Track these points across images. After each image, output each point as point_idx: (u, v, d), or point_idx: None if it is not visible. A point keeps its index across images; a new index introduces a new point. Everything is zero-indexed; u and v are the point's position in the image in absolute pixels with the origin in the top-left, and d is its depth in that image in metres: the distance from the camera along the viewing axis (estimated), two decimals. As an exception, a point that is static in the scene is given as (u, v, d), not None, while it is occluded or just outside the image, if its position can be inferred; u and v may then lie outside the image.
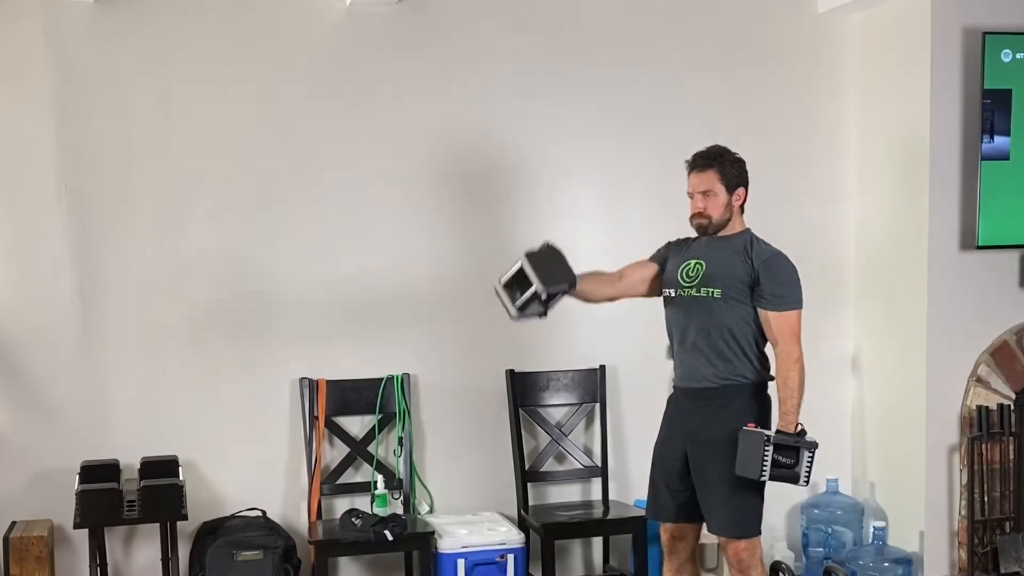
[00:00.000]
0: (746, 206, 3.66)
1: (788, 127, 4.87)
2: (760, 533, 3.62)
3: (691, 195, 3.64)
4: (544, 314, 3.64)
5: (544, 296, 3.53)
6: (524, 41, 4.61)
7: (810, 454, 3.49)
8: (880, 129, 4.78)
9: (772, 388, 3.62)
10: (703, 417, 3.58)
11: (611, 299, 3.84)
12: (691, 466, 3.61)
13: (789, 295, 3.53)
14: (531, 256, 3.57)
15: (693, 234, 3.72)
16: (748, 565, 3.59)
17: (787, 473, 3.47)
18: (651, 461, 3.77)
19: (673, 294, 3.67)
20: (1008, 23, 4.45)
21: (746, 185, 3.63)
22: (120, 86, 4.25)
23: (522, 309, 3.58)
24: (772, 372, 3.60)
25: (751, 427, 3.48)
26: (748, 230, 3.65)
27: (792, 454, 3.46)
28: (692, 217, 3.64)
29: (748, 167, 3.66)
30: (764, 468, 3.42)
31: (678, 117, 4.71)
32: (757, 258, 3.54)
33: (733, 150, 3.64)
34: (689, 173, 3.65)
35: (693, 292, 3.59)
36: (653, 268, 3.78)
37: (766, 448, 3.41)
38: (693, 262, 3.64)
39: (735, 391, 3.56)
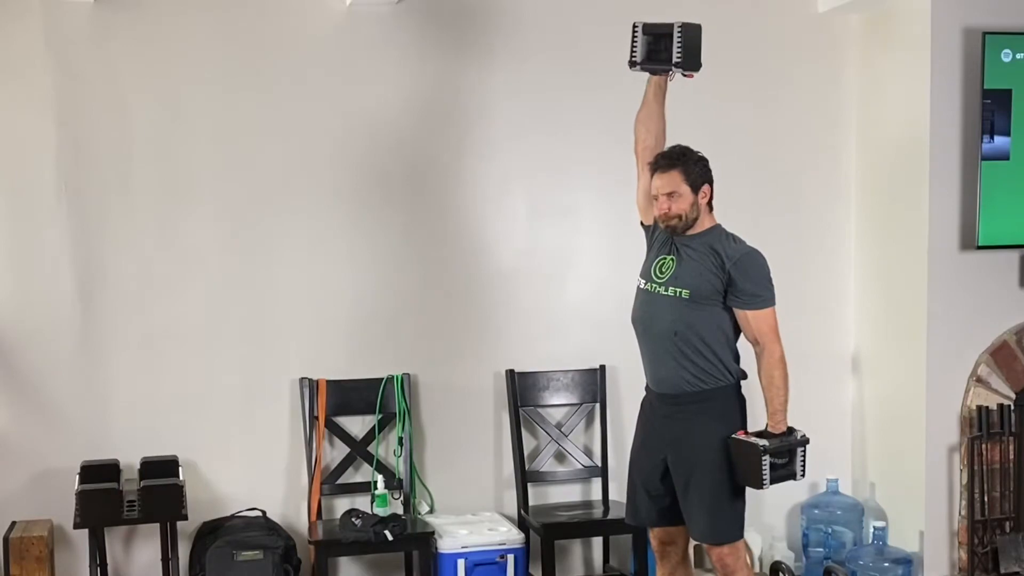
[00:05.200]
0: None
1: (788, 127, 4.87)
2: (742, 537, 3.61)
3: (656, 197, 3.61)
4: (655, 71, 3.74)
5: (673, 68, 3.70)
6: (523, 41, 4.61)
7: (803, 450, 3.52)
8: (880, 129, 4.78)
9: (746, 386, 3.61)
10: (681, 423, 3.56)
11: (659, 130, 3.81)
12: (672, 472, 3.59)
13: (765, 293, 3.52)
14: (685, 28, 3.67)
15: None
16: (732, 570, 3.58)
17: (784, 473, 3.49)
18: (628, 465, 3.76)
19: (643, 285, 3.65)
20: (1008, 23, 4.45)
21: (711, 182, 3.60)
22: (120, 86, 4.25)
23: (645, 62, 3.72)
24: (744, 370, 3.60)
25: (741, 435, 3.48)
26: (717, 226, 3.61)
27: (785, 453, 3.48)
28: (660, 220, 3.61)
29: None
30: (764, 477, 3.43)
31: (677, 117, 4.68)
32: (728, 259, 3.50)
33: (695, 149, 3.62)
34: (652, 175, 3.62)
35: (661, 290, 3.57)
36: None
37: (763, 459, 3.41)
38: (668, 258, 3.61)
39: (711, 395, 3.54)
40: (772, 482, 3.45)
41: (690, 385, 3.54)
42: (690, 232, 3.60)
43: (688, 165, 3.57)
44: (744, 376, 3.61)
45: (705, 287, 3.51)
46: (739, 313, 3.52)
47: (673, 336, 3.53)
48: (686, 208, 3.56)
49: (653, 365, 3.63)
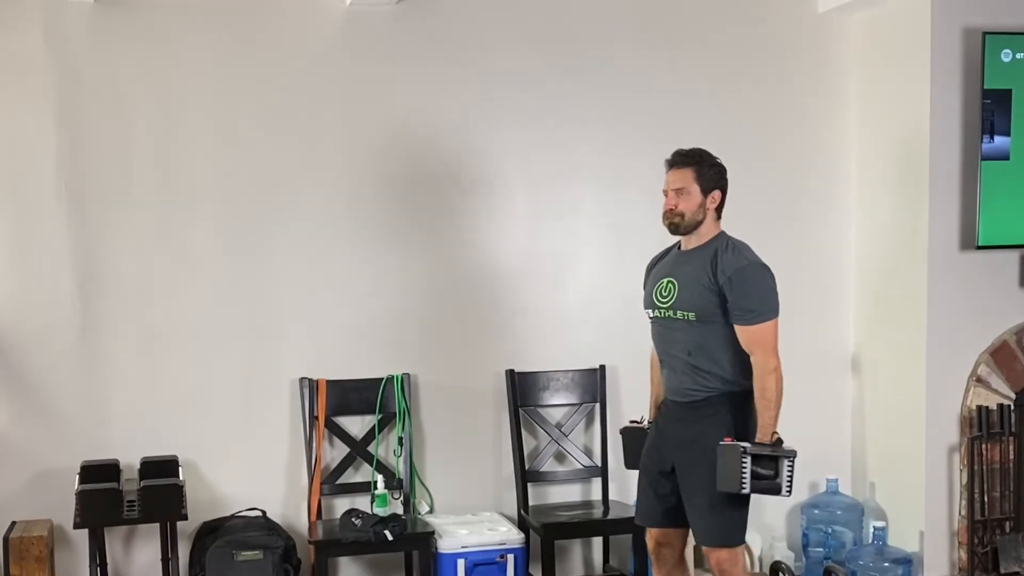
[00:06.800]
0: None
1: (788, 127, 4.87)
2: (743, 543, 3.61)
3: (666, 193, 3.63)
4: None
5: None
6: (524, 41, 4.60)
7: (790, 463, 3.43)
8: (880, 129, 4.78)
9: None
10: (690, 426, 3.58)
11: None
12: (677, 473, 3.61)
13: (759, 308, 3.49)
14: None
15: (671, 240, 3.72)
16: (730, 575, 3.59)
17: (768, 484, 3.43)
18: (639, 466, 3.78)
19: (652, 314, 3.69)
20: (1008, 23, 4.45)
21: (723, 190, 3.61)
22: (120, 86, 4.25)
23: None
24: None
25: (728, 441, 3.46)
26: (720, 235, 3.61)
27: (771, 465, 3.42)
28: (664, 215, 3.62)
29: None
30: (744, 481, 3.39)
31: (678, 117, 4.70)
32: (722, 274, 3.49)
33: (715, 155, 3.63)
34: (667, 170, 3.64)
35: (670, 314, 3.60)
36: None
37: (743, 460, 3.37)
38: (665, 281, 3.63)
39: (721, 400, 3.55)
40: (753, 491, 3.41)
41: (702, 394, 3.56)
42: (692, 245, 3.62)
43: (703, 167, 3.59)
44: None
45: (707, 307, 3.53)
46: (736, 327, 3.53)
47: (688, 355, 3.57)
48: (692, 208, 3.57)
49: (670, 379, 3.67)
